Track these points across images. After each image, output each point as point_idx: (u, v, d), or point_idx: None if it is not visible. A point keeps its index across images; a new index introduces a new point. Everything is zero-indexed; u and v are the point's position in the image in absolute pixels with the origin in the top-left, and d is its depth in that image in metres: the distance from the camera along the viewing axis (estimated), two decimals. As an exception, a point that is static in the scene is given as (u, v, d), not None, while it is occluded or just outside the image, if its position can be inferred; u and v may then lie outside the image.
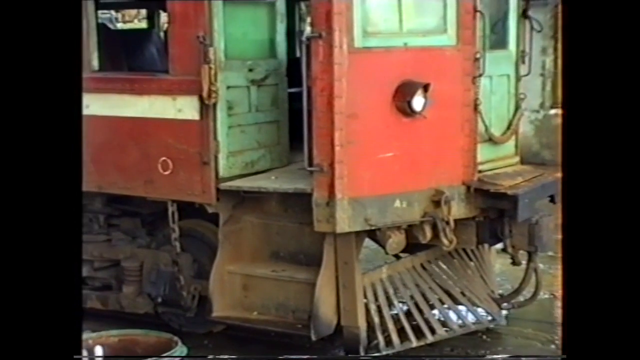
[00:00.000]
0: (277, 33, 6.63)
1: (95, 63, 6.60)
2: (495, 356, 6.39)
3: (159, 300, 6.85)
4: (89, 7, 6.52)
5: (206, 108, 6.08)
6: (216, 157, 6.17)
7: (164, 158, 6.33)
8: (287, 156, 6.75)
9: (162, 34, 8.76)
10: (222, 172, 6.21)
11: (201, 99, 6.05)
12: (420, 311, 6.42)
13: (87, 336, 5.32)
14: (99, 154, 6.61)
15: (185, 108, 6.18)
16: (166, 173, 6.34)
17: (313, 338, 6.02)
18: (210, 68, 5.94)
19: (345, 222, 5.75)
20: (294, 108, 6.52)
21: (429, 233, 6.01)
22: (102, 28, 7.25)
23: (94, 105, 6.54)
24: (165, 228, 6.72)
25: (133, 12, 14.52)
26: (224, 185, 6.21)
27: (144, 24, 11.42)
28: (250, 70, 6.38)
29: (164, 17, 7.28)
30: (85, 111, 6.55)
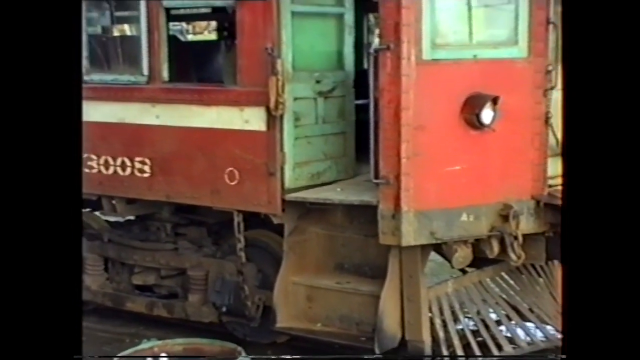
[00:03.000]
0: (345, 45, 6.63)
1: (165, 74, 6.68)
2: (495, 356, 6.23)
3: (224, 309, 6.89)
4: (160, 19, 6.62)
5: (273, 119, 6.11)
6: (282, 168, 6.19)
7: (230, 168, 6.38)
8: (353, 168, 6.73)
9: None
10: (288, 183, 6.23)
11: (268, 110, 6.08)
12: (487, 327, 6.31)
13: (152, 344, 5.38)
14: (167, 163, 6.71)
15: (252, 119, 6.21)
16: (232, 183, 6.39)
17: (377, 351, 5.97)
18: (277, 79, 5.97)
19: (410, 235, 5.69)
20: (361, 119, 6.50)
21: (496, 248, 5.90)
22: (172, 40, 7.35)
23: (163, 115, 6.65)
24: (230, 238, 6.76)
25: (203, 23, 14.73)
26: (290, 196, 6.22)
27: (213, 36, 11.57)
28: (318, 81, 6.40)
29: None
30: (156, 121, 6.71)
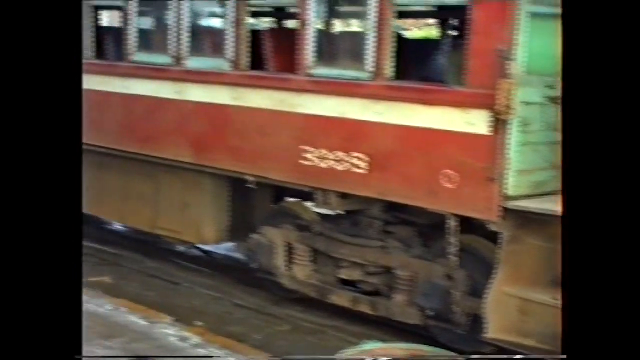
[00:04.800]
0: (581, 49, 6.28)
1: (389, 71, 6.64)
2: (496, 356, 5.83)
3: (430, 313, 6.78)
4: (389, 15, 6.58)
5: (499, 123, 5.91)
6: (504, 175, 5.97)
7: (448, 170, 6.24)
8: (580, 179, 6.37)
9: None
10: (509, 190, 6.01)
11: (495, 113, 5.88)
12: None
13: (373, 345, 5.29)
14: (384, 161, 6.68)
15: (476, 122, 6.04)
16: (449, 186, 6.25)
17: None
18: (508, 83, 5.75)
19: None
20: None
21: None
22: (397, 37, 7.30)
23: (385, 112, 6.62)
24: (440, 240, 6.63)
25: (424, 21, 14.64)
26: (510, 204, 5.99)
27: (433, 33, 11.42)
28: (549, 86, 6.11)
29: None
30: (376, 118, 6.70)
